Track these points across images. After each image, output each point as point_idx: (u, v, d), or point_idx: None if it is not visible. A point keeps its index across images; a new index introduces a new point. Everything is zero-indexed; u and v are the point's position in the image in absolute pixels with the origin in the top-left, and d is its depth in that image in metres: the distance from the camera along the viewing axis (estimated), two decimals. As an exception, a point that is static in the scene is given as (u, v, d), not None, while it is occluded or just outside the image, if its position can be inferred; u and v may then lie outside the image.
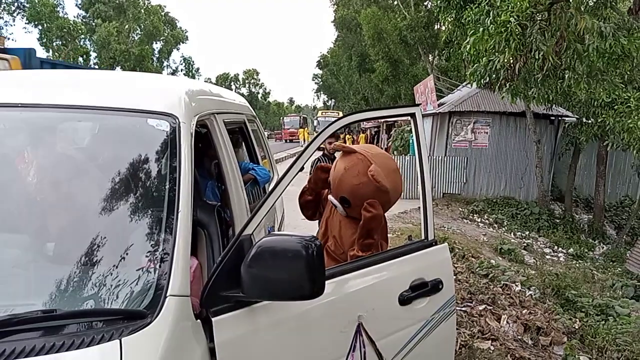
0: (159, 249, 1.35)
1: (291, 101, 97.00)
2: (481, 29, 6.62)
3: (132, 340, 1.15)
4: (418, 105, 2.12)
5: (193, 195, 1.49)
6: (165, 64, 49.17)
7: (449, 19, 9.92)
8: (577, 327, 4.82)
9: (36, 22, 34.08)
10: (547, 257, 10.00)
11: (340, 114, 16.48)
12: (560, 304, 5.73)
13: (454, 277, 3.27)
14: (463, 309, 4.67)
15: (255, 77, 77.16)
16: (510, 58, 6.44)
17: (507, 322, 4.54)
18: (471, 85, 11.25)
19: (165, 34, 46.51)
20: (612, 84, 7.18)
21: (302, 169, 1.65)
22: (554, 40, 6.35)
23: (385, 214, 2.37)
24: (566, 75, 6.87)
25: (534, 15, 6.36)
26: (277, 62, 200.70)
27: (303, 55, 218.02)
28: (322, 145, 3.66)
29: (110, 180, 1.53)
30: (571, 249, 10.89)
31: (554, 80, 7.41)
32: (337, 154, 3.20)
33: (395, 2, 28.44)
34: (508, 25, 6.16)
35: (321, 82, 58.99)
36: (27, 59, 7.15)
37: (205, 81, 20.10)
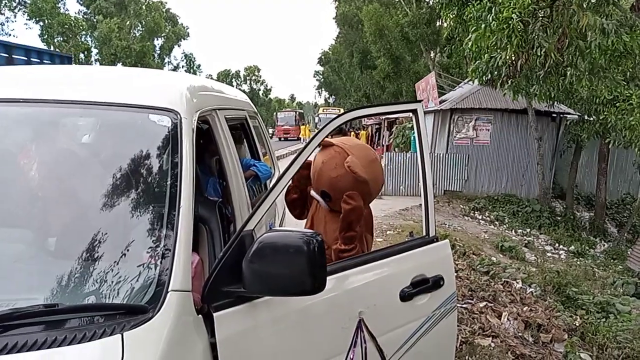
0: (160, 245, 1.35)
1: (292, 98, 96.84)
2: (483, 26, 6.60)
3: (133, 335, 1.15)
4: (420, 101, 2.11)
5: (194, 191, 1.49)
6: (166, 60, 49.23)
7: (451, 16, 9.90)
8: (577, 324, 4.83)
9: (37, 19, 34.12)
10: (548, 254, 10.01)
11: (342, 111, 16.46)
12: (561, 301, 5.74)
13: (455, 273, 3.27)
14: (464, 305, 4.67)
15: (256, 73, 76.94)
16: (512, 55, 6.42)
17: (508, 319, 4.55)
18: (473, 82, 11.19)
19: (167, 31, 46.51)
20: (614, 81, 7.16)
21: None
22: (556, 37, 6.34)
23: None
24: (568, 73, 6.85)
25: (536, 12, 6.34)
26: (278, 59, 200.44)
27: (304, 52, 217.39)
28: None
29: (111, 176, 1.53)
30: (572, 247, 10.89)
31: (556, 77, 7.39)
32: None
33: (397, -1, 28.41)
34: (510, 22, 6.15)
35: (322, 79, 58.83)
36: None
37: (206, 78, 20.07)
